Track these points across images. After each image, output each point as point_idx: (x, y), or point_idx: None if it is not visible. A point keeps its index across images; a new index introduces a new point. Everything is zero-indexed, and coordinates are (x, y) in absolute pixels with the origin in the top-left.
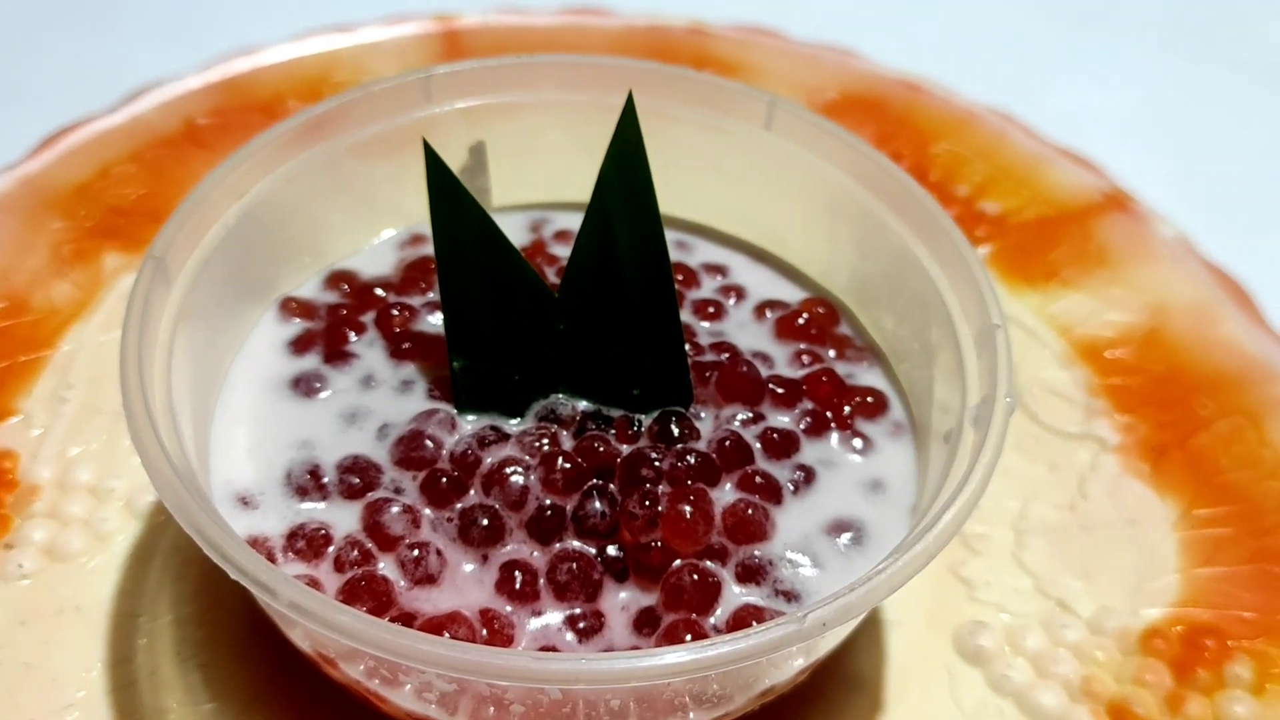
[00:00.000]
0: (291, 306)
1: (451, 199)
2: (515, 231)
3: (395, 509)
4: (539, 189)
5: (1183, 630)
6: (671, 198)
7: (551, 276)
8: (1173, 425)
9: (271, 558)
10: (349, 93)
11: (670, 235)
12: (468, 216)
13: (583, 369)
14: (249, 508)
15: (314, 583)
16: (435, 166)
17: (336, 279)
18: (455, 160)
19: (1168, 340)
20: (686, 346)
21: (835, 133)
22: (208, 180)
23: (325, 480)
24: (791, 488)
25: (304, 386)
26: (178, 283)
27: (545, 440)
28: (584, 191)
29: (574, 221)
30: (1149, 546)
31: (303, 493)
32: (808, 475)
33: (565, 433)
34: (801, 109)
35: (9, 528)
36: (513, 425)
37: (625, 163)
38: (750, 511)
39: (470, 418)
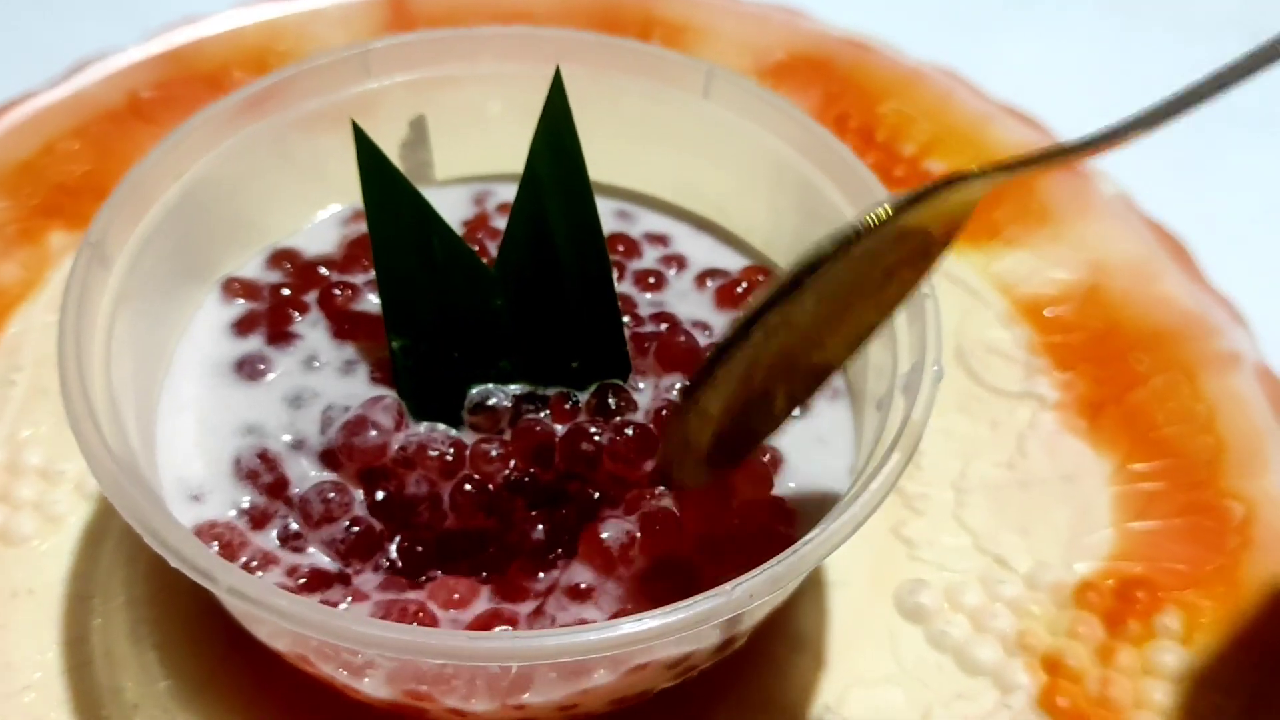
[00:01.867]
0: (234, 287)
1: (383, 180)
2: (458, 205)
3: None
4: (481, 161)
5: (1114, 583)
6: (613, 167)
7: (494, 250)
8: (1110, 381)
9: (226, 543)
10: (287, 69)
11: (612, 205)
12: (400, 197)
13: (522, 344)
14: (198, 501)
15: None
16: (366, 148)
17: (279, 258)
18: (396, 135)
19: (1107, 297)
20: (626, 318)
21: (773, 101)
22: (146, 161)
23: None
24: None
25: (248, 369)
26: (116, 267)
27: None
28: (522, 163)
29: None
30: (1084, 502)
31: (253, 477)
32: None
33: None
34: (740, 78)
35: None
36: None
37: (555, 136)
38: None
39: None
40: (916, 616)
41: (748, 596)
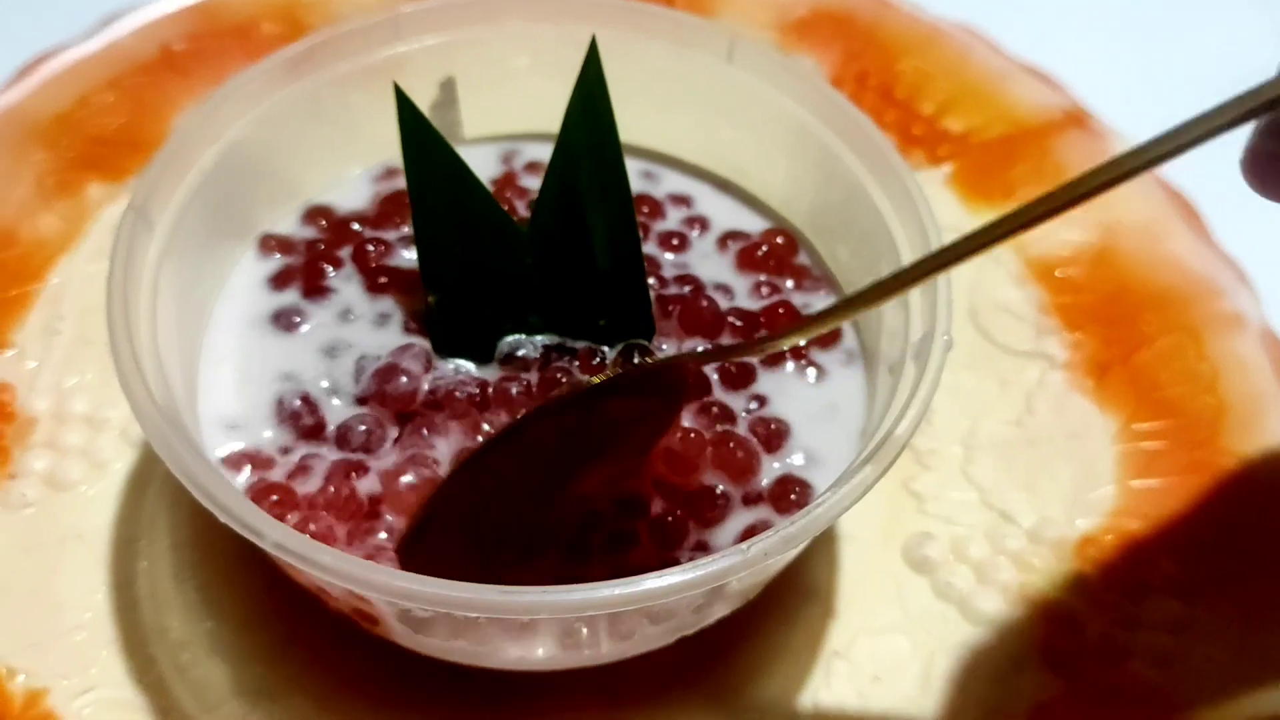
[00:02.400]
0: (270, 244)
1: (423, 141)
2: (487, 163)
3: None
4: (509, 121)
5: (1114, 539)
6: (638, 129)
7: (522, 210)
8: (1118, 342)
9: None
10: (320, 33)
11: (637, 165)
12: (439, 158)
13: (551, 302)
14: (237, 434)
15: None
16: (406, 109)
17: (314, 214)
18: (426, 96)
19: (1117, 258)
20: (651, 280)
21: (794, 68)
22: (184, 126)
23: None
24: (746, 416)
25: (284, 321)
26: (159, 229)
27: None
28: (552, 122)
29: (543, 152)
30: (1088, 459)
31: (294, 419)
32: (762, 404)
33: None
34: (762, 45)
35: (10, 459)
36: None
37: (589, 105)
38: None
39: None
40: (923, 568)
41: (762, 555)
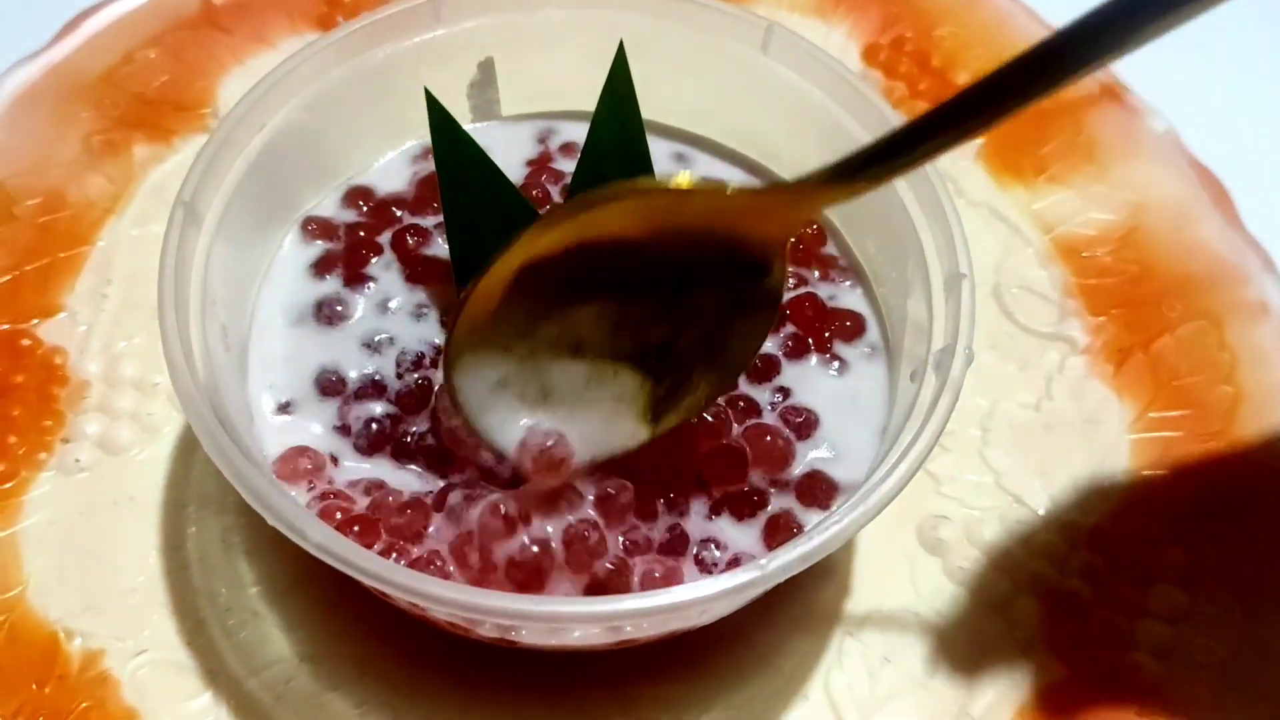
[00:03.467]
0: (312, 228)
1: (454, 142)
2: (523, 142)
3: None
4: (545, 100)
5: (1124, 528)
6: (671, 110)
7: (555, 194)
8: (1141, 327)
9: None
10: (362, 18)
11: (670, 146)
12: (470, 159)
13: None
14: (286, 417)
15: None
16: (437, 113)
17: (353, 196)
18: (465, 75)
19: (1145, 240)
20: None
21: (827, 62)
22: (230, 116)
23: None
24: (771, 409)
25: (326, 312)
26: (207, 222)
27: None
28: (586, 101)
29: (578, 132)
30: (1104, 446)
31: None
32: (786, 395)
33: None
34: (798, 37)
35: (64, 422)
36: None
37: (616, 108)
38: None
39: None
40: (937, 549)
41: (781, 572)
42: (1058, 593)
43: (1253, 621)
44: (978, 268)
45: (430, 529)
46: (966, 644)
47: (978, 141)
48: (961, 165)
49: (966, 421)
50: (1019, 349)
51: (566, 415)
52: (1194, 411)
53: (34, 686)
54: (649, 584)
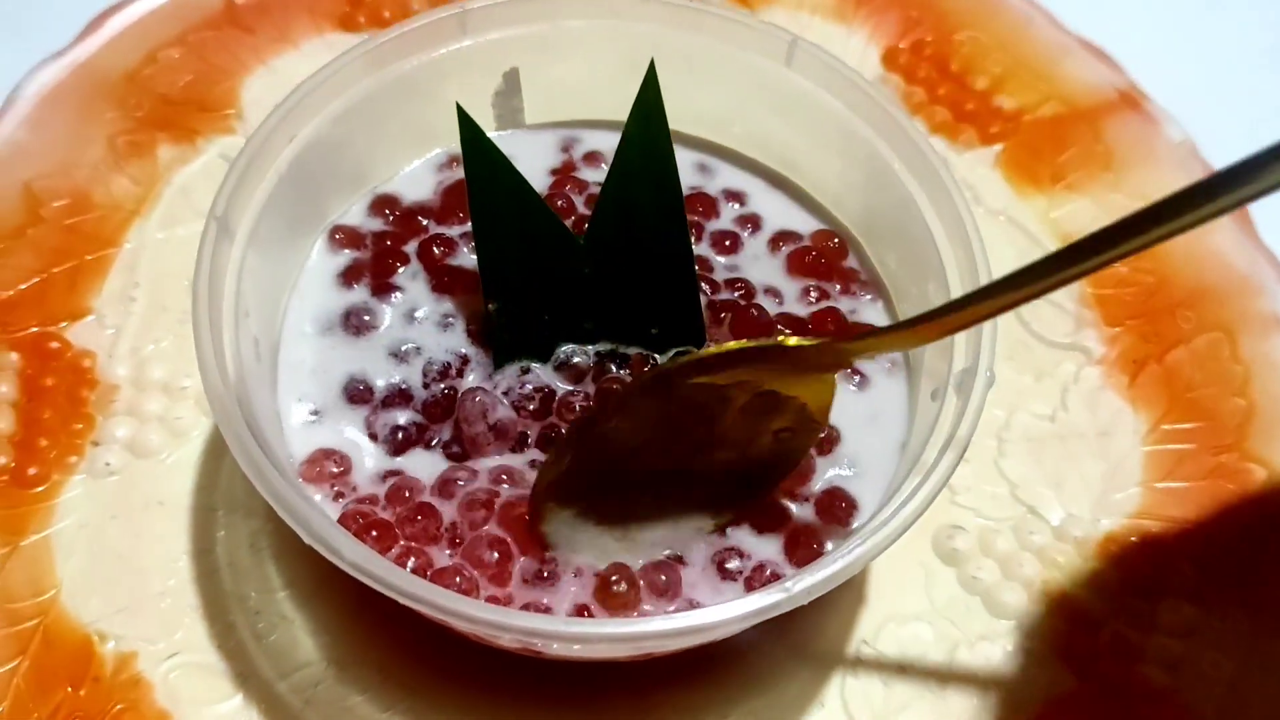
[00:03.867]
0: (339, 237)
1: (484, 156)
2: (546, 151)
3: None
4: (568, 109)
5: (1136, 540)
6: (695, 121)
7: (579, 204)
8: (1156, 338)
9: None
10: (391, 30)
11: (693, 157)
12: (500, 173)
13: (606, 310)
14: (317, 424)
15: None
16: (469, 128)
17: (380, 204)
18: (490, 85)
19: (1160, 251)
20: (704, 285)
21: (849, 76)
22: (260, 130)
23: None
24: None
25: (355, 322)
26: (239, 235)
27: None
28: (608, 111)
29: (600, 141)
30: (1117, 458)
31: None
32: None
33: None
34: (820, 50)
35: (94, 425)
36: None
37: (646, 126)
38: None
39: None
40: (951, 559)
41: (805, 594)
42: (1069, 604)
43: (1262, 636)
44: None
45: (443, 527)
46: (979, 655)
47: (996, 148)
48: (980, 173)
49: (983, 432)
50: (1035, 360)
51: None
52: (1207, 424)
53: (69, 689)
54: (654, 587)
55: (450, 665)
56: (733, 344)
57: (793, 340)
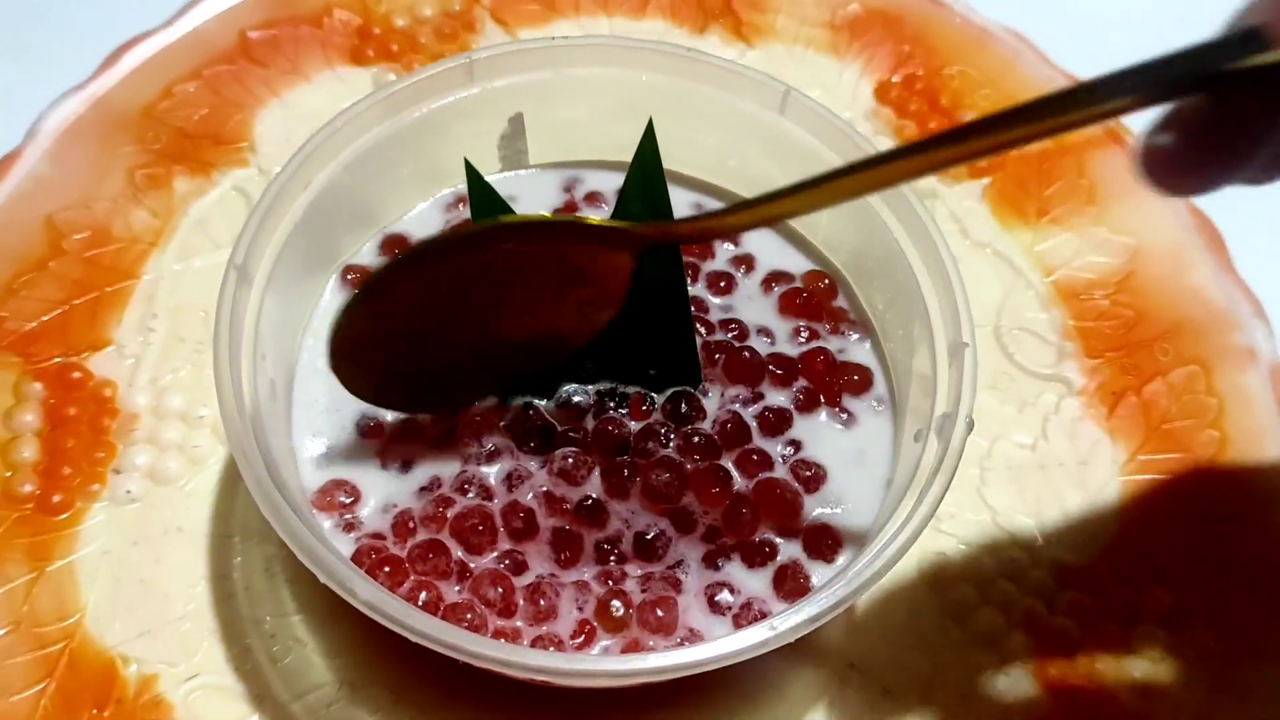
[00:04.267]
0: (351, 277)
1: (491, 210)
2: (550, 190)
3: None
4: (571, 150)
5: (1111, 568)
6: (691, 161)
7: None
8: (1134, 371)
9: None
10: (402, 80)
11: (689, 196)
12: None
13: (606, 352)
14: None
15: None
16: (476, 182)
17: (390, 244)
18: (496, 129)
19: (1141, 285)
20: (699, 327)
21: (840, 127)
22: (277, 179)
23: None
24: (782, 461)
25: None
26: (256, 281)
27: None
28: (608, 152)
29: (601, 181)
30: (1095, 488)
31: (374, 435)
32: (797, 449)
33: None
34: (812, 101)
35: (115, 454)
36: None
37: (645, 178)
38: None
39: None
40: (935, 584)
41: (791, 633)
42: (1047, 630)
43: (1232, 664)
44: (981, 308)
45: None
46: (960, 677)
47: (984, 181)
48: (968, 205)
49: (966, 461)
50: (1018, 390)
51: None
52: (1182, 455)
53: (94, 710)
54: (647, 615)
55: (456, 688)
56: (535, 215)
57: (593, 220)
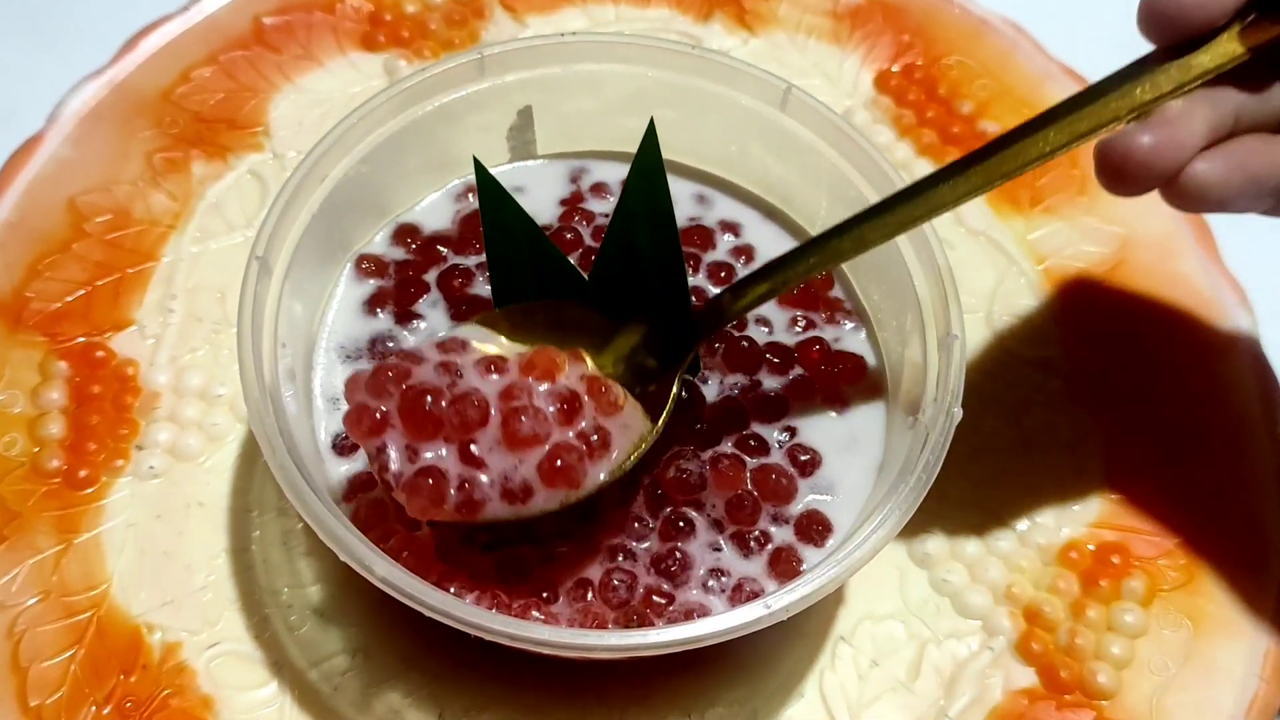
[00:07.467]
0: (365, 266)
1: (500, 204)
2: (557, 180)
3: None
4: (577, 141)
5: (1094, 547)
6: (695, 153)
7: (586, 235)
8: (1119, 356)
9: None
10: (414, 74)
11: (692, 188)
12: (513, 220)
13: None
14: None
15: None
16: (485, 180)
17: (402, 233)
18: (505, 121)
19: (1130, 272)
20: None
21: (841, 126)
22: (295, 173)
23: None
24: (779, 446)
25: (380, 349)
26: (276, 272)
27: None
28: (614, 143)
29: (606, 172)
30: (1079, 468)
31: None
32: (793, 434)
33: None
34: (812, 98)
35: (138, 431)
36: None
37: (646, 176)
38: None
39: None
40: (924, 562)
41: (784, 612)
42: (1031, 606)
43: (1202, 639)
44: (975, 295)
45: None
46: (948, 651)
47: None
48: None
49: (955, 444)
50: (1006, 373)
51: None
52: (1164, 439)
53: (121, 675)
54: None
55: (464, 656)
56: None
57: None
